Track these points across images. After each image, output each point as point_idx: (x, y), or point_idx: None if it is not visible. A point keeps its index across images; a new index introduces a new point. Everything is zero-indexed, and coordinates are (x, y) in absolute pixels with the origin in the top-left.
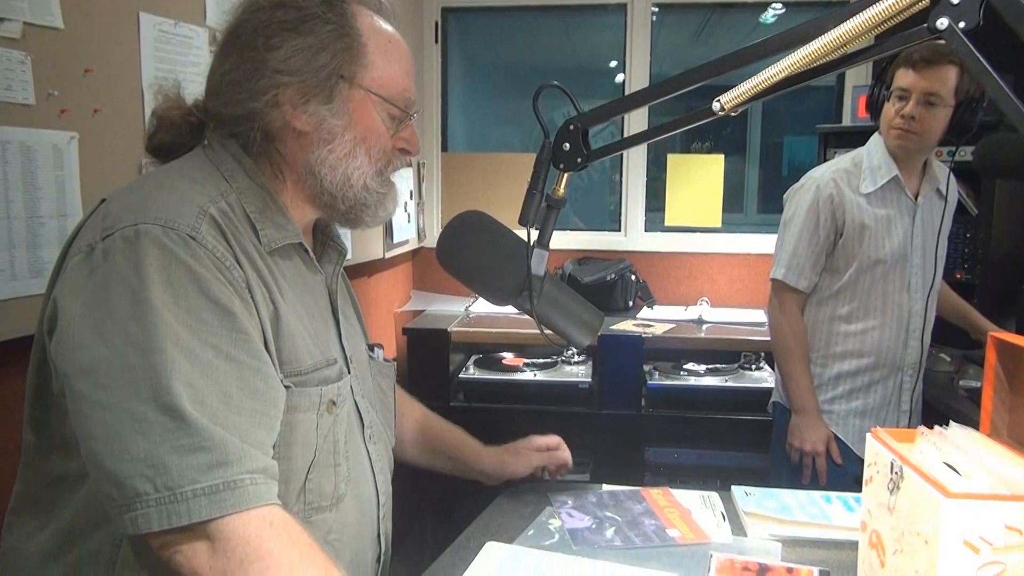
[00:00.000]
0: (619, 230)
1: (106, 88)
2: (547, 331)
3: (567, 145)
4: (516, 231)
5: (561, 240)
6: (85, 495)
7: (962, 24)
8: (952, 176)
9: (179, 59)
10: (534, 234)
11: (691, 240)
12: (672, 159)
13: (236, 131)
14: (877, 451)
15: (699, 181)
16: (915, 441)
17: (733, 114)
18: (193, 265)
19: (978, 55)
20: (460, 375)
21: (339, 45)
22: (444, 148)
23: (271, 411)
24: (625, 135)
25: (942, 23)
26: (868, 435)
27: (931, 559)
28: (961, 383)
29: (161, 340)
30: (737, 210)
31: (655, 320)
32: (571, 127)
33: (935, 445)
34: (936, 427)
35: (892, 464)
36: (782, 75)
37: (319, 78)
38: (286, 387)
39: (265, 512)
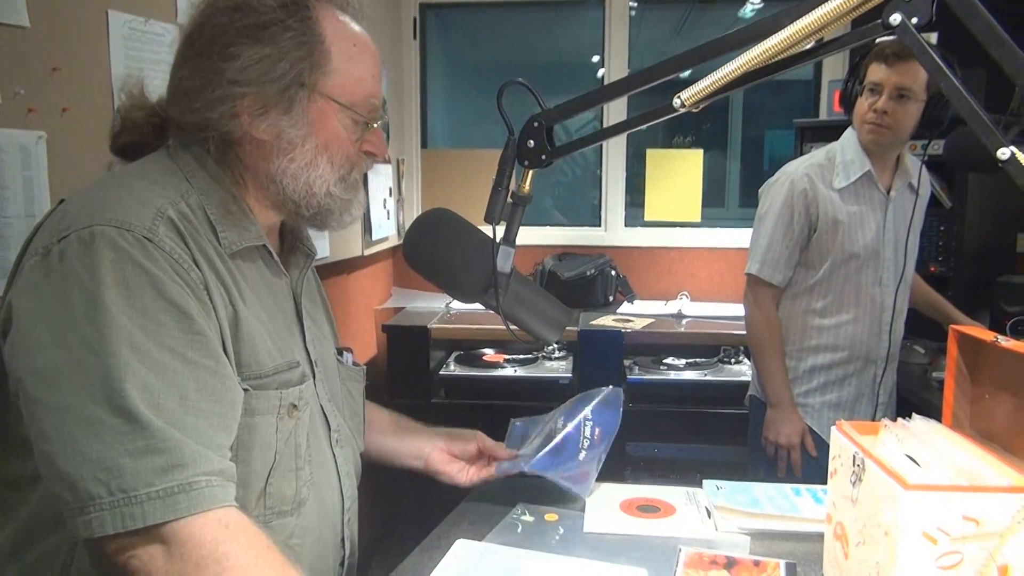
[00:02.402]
0: (599, 225)
1: (75, 87)
2: (514, 328)
3: (532, 142)
4: (485, 228)
5: (541, 235)
6: (41, 497)
7: (915, 20)
8: (924, 169)
9: (150, 57)
10: (500, 231)
11: (671, 235)
12: (651, 154)
13: (195, 139)
14: (841, 444)
15: (679, 176)
16: (879, 434)
17: (694, 110)
18: (149, 267)
19: (930, 50)
20: (441, 372)
21: (299, 53)
22: (424, 144)
23: (229, 413)
24: (606, 125)
25: (895, 19)
26: (833, 428)
27: (891, 550)
28: (935, 375)
29: (115, 342)
30: (718, 204)
31: (635, 315)
32: (535, 123)
33: (897, 437)
34: (899, 419)
35: (855, 456)
36: (740, 71)
37: (278, 88)
38: (244, 390)
39: (221, 514)
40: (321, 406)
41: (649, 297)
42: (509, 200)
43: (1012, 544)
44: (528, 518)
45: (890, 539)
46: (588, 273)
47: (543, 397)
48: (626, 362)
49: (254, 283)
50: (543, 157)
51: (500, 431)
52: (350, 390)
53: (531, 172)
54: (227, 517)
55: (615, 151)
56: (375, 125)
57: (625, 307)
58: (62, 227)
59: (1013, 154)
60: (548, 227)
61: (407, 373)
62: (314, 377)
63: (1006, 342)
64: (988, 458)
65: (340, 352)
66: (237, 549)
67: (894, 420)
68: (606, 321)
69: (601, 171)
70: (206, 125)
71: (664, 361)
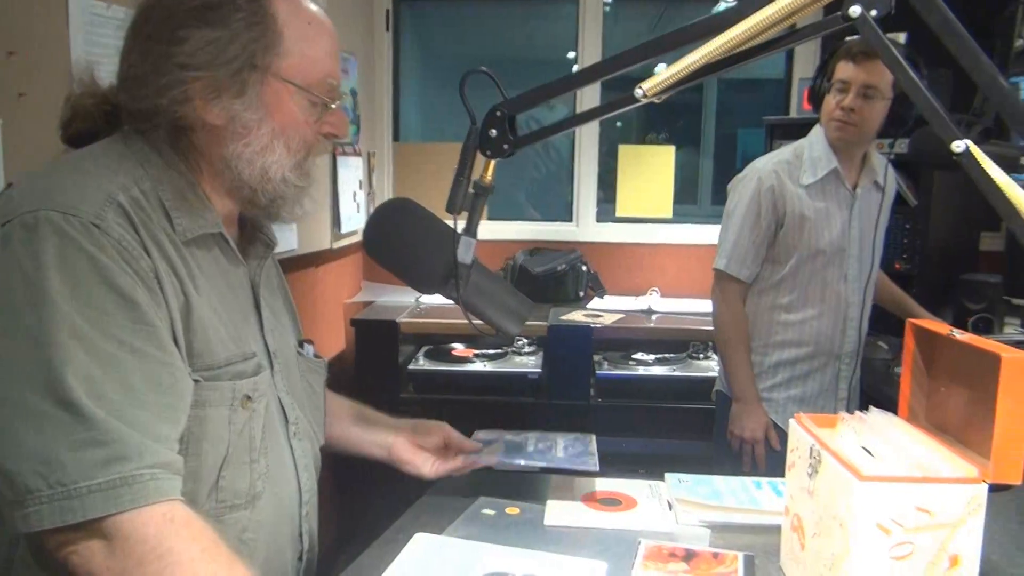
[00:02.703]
0: (571, 221)
1: (32, 72)
2: (475, 321)
3: (493, 132)
4: (448, 219)
5: (513, 230)
6: None
7: (874, 12)
8: (890, 168)
9: (112, 43)
10: (461, 221)
11: (642, 231)
12: (623, 150)
13: (148, 125)
14: (799, 436)
15: (650, 172)
16: (836, 427)
17: (657, 100)
18: (95, 254)
19: (889, 44)
20: (410, 366)
21: (251, 34)
22: (396, 137)
23: (177, 404)
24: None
25: (855, 11)
26: (791, 421)
27: (845, 541)
28: (897, 371)
29: (57, 332)
30: (691, 201)
31: (605, 310)
32: (497, 113)
33: (854, 430)
34: (857, 412)
35: (811, 449)
36: (701, 62)
37: (230, 71)
38: (195, 381)
39: (165, 508)
40: (279, 398)
41: (620, 292)
42: (470, 190)
43: (962, 534)
44: (489, 511)
45: (845, 530)
46: (559, 268)
47: (512, 392)
48: (595, 357)
49: (209, 272)
50: (505, 147)
51: (469, 426)
52: (311, 383)
53: (492, 162)
54: (172, 511)
55: (587, 146)
56: (334, 106)
57: (595, 302)
58: (7, 212)
59: (968, 147)
60: (520, 222)
61: (375, 367)
62: (272, 369)
63: (961, 335)
64: (941, 450)
65: (301, 344)
66: (181, 544)
67: (840, 413)
68: (576, 316)
69: (574, 166)
70: (157, 111)
71: (633, 356)
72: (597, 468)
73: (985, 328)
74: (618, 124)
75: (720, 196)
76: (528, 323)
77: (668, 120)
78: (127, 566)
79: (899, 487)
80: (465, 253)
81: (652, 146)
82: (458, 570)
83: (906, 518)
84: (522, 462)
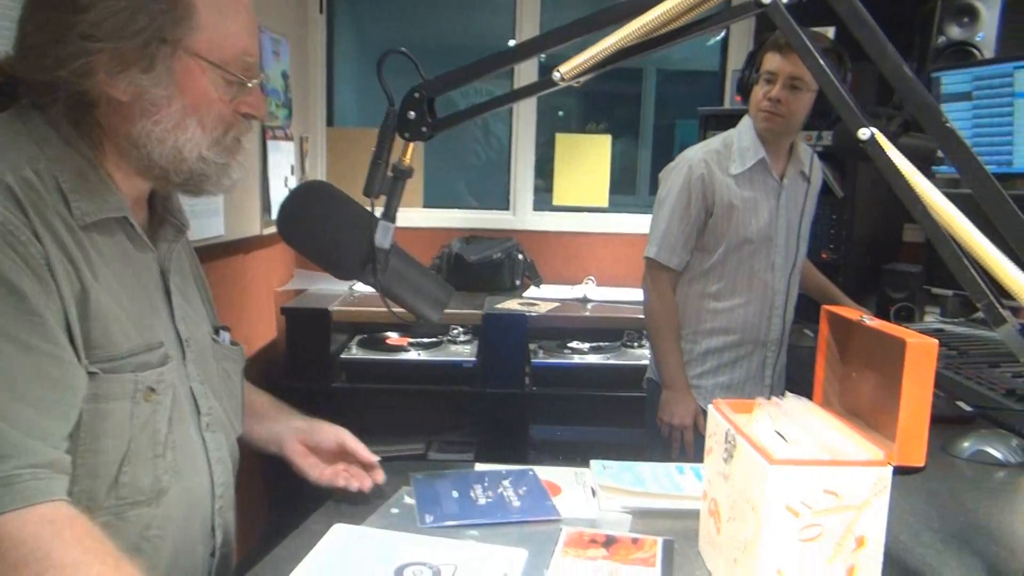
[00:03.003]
0: (508, 209)
1: None
2: (395, 308)
3: (412, 113)
4: (366, 204)
5: (448, 218)
6: None
7: (786, 0)
8: (816, 158)
9: (9, 12)
10: (380, 206)
11: (579, 220)
12: (561, 139)
13: (48, 100)
14: (717, 422)
15: (587, 161)
16: (752, 412)
17: (576, 84)
18: None
19: (800, 32)
20: (342, 355)
21: (160, 6)
22: (330, 122)
23: (66, 399)
24: (516, 109)
25: None
26: (710, 406)
27: (757, 524)
28: None
29: None
30: (630, 191)
31: (541, 299)
32: (416, 95)
33: (769, 415)
34: (773, 398)
35: (727, 433)
36: (617, 46)
37: (136, 44)
38: (92, 373)
39: (47, 509)
40: (191, 388)
41: (556, 281)
42: (389, 174)
43: (868, 516)
44: (411, 501)
45: (757, 514)
46: (495, 256)
47: (447, 380)
48: (531, 346)
49: (111, 258)
50: (424, 129)
51: (403, 416)
52: (227, 371)
53: (411, 145)
54: (53, 512)
55: (524, 134)
56: (251, 84)
57: (531, 291)
58: None
59: (873, 135)
60: (456, 209)
61: (307, 357)
62: (184, 357)
63: (871, 321)
64: (851, 433)
65: (217, 331)
66: (61, 546)
67: (757, 399)
68: (511, 305)
69: (511, 155)
70: (58, 84)
71: (568, 345)
72: (559, 515)
73: (907, 317)
74: (560, 114)
75: (658, 187)
76: (463, 311)
77: (607, 110)
78: (2, 570)
79: (808, 470)
80: (383, 238)
81: (589, 135)
82: (375, 561)
83: (815, 501)
84: (478, 520)
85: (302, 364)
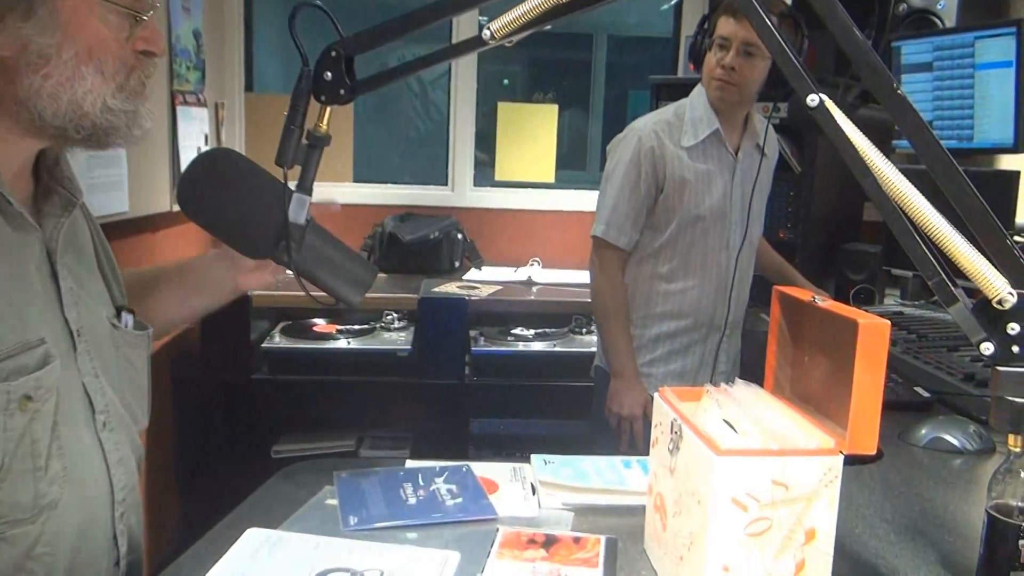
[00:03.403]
0: (446, 184)
1: None
2: (313, 291)
3: (329, 74)
4: (278, 174)
5: (381, 194)
6: None
7: None
8: (771, 130)
9: None
10: (293, 177)
11: (523, 196)
12: (503, 108)
13: None
14: (663, 411)
15: (532, 133)
16: (701, 400)
17: (508, 44)
18: None
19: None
20: (264, 344)
21: None
22: (249, 88)
23: None
24: (455, 76)
25: None
26: (656, 395)
27: (703, 519)
28: None
29: None
30: (579, 167)
31: (482, 282)
32: (332, 53)
33: (718, 403)
34: (723, 384)
35: (673, 423)
36: (551, 2)
37: None
38: None
39: None
40: (83, 384)
41: (498, 263)
42: (304, 141)
43: (818, 507)
44: (333, 502)
45: (703, 508)
46: (432, 236)
47: (380, 371)
48: (471, 333)
49: None
50: (342, 92)
51: (332, 410)
52: (130, 359)
53: (328, 109)
54: None
55: (464, 104)
56: (145, 17)
57: (472, 273)
58: None
59: (822, 101)
60: (389, 185)
61: (224, 346)
62: (75, 350)
63: (822, 302)
64: (801, 421)
65: (119, 313)
66: None
67: (705, 386)
68: (450, 288)
69: (449, 126)
70: None
71: (512, 331)
72: (496, 514)
73: (866, 299)
74: (504, 82)
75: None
76: (398, 296)
77: (555, 79)
78: None
79: (755, 461)
80: (298, 212)
81: (535, 105)
82: (292, 567)
83: (762, 493)
84: (408, 522)
85: (219, 355)
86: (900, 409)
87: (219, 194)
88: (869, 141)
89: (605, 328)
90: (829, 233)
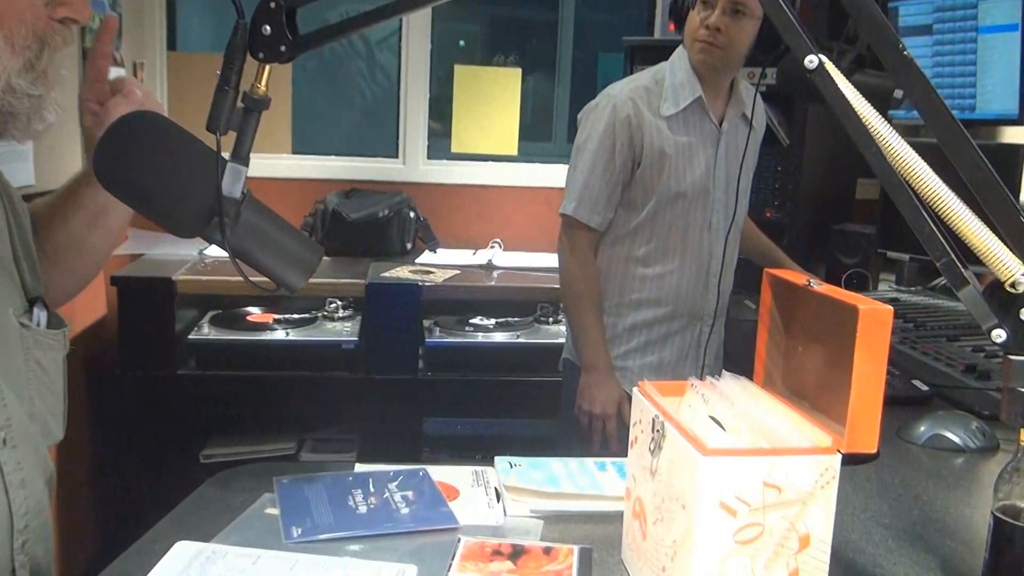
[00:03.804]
0: (396, 157)
1: None
2: (252, 276)
3: (268, 28)
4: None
5: (324, 167)
6: None
7: None
8: (759, 99)
9: None
10: (227, 145)
11: (483, 171)
12: (460, 72)
13: None
14: (642, 407)
15: (493, 100)
16: (684, 394)
17: None
18: None
19: None
20: (191, 336)
21: None
22: (172, 46)
23: None
24: (406, 36)
25: None
26: (635, 390)
27: (688, 526)
28: None
29: None
30: (545, 138)
31: (437, 266)
32: (272, 4)
33: (704, 398)
34: (708, 378)
35: (654, 421)
36: None
37: None
38: None
39: None
40: None
41: (455, 245)
42: (240, 104)
43: (813, 511)
44: (274, 511)
45: (688, 513)
46: (381, 215)
47: (323, 366)
48: (425, 323)
49: None
50: (282, 48)
51: (269, 409)
52: (42, 362)
53: (267, 68)
54: None
55: (416, 67)
56: None
57: (426, 256)
58: None
59: (821, 63)
60: (332, 157)
61: (146, 338)
62: None
63: (818, 286)
64: (794, 418)
65: (31, 308)
66: None
67: (690, 379)
68: (401, 273)
69: (400, 91)
70: None
71: (471, 321)
72: (457, 523)
73: (859, 285)
74: (461, 43)
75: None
76: (342, 281)
77: (518, 41)
78: None
79: (745, 461)
80: (232, 184)
81: (496, 69)
82: None
83: (753, 496)
84: (358, 532)
85: (140, 347)
86: (897, 404)
87: (141, 164)
88: (872, 108)
89: (575, 316)
90: (819, 212)
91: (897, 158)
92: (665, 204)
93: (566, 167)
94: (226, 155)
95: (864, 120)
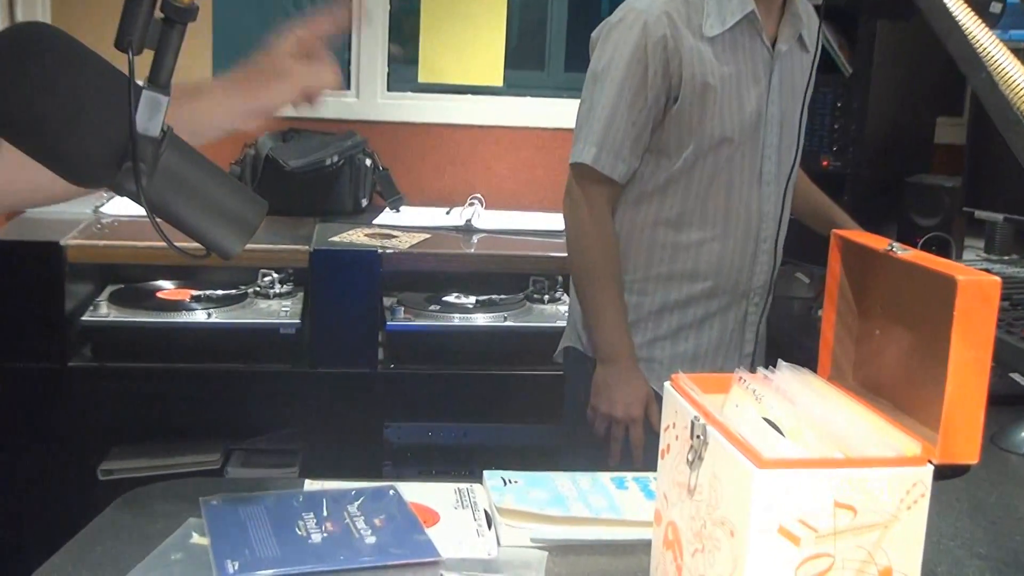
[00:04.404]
0: (348, 89)
1: None
2: (180, 242)
3: None
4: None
5: None
6: None
7: None
8: (813, 15)
9: None
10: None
11: (458, 106)
12: None
13: None
14: (677, 407)
15: (472, 17)
16: (730, 391)
17: None
18: None
19: None
20: (85, 318)
21: None
22: None
23: None
24: None
25: None
26: (667, 385)
27: (737, 558)
28: (822, 313)
29: None
30: (536, 65)
31: (401, 228)
32: None
33: (755, 395)
34: (760, 370)
35: (693, 424)
36: None
37: None
38: None
39: None
40: None
41: (424, 202)
42: (158, 14)
43: (897, 538)
44: (202, 541)
45: (737, 541)
46: (328, 162)
47: (256, 356)
48: (386, 301)
49: None
50: None
51: (186, 411)
52: None
53: None
54: None
55: None
56: None
57: (387, 216)
58: None
59: None
60: None
61: (27, 320)
62: None
63: (903, 252)
64: (872, 419)
65: None
66: None
67: (736, 372)
68: (355, 237)
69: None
70: None
71: (444, 299)
72: (437, 555)
73: (939, 252)
74: None
75: (578, 58)
76: (280, 247)
77: None
78: None
79: (810, 475)
80: (150, 119)
81: None
82: None
83: (822, 519)
84: (311, 568)
85: (19, 332)
86: (992, 403)
87: (29, 91)
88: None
89: (590, 294)
90: (889, 161)
91: (1014, 85)
92: (707, 151)
93: (562, 103)
94: (141, 81)
95: (970, 37)
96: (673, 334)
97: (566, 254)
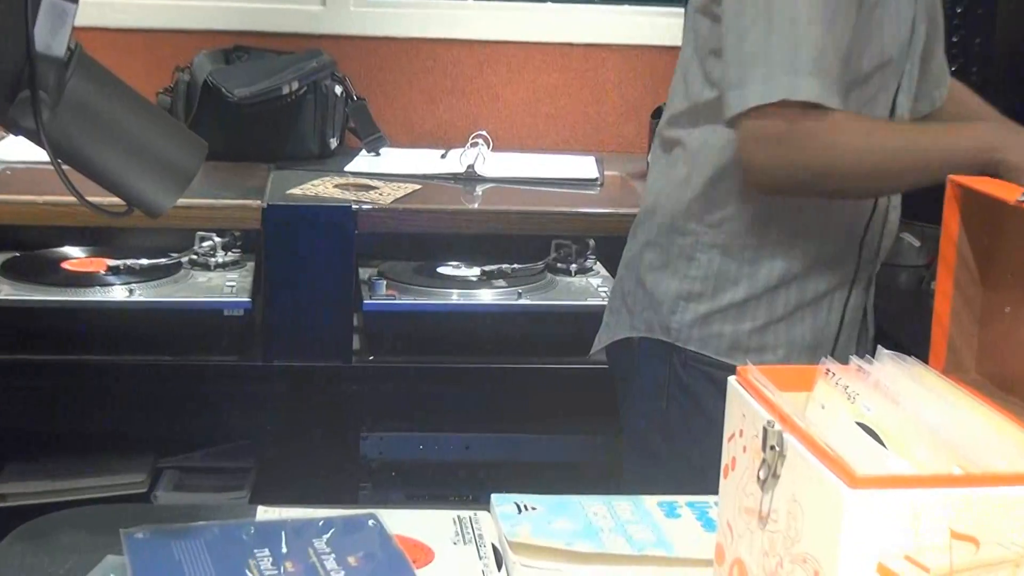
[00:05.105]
0: None
1: None
2: (94, 197)
3: None
4: None
5: (190, 10)
6: None
7: None
8: None
9: None
10: None
11: (457, 16)
12: None
13: None
14: (745, 408)
15: None
16: (815, 387)
17: None
18: None
19: None
20: None
21: None
22: None
23: None
24: None
25: None
26: (731, 380)
27: None
28: (935, 285)
29: None
30: None
31: (382, 176)
32: None
33: (848, 393)
34: (854, 359)
35: (766, 432)
36: None
37: None
38: None
39: None
40: None
41: (412, 143)
42: None
43: None
44: None
45: None
46: (286, 91)
47: (195, 347)
48: (363, 272)
49: None
50: None
51: (105, 418)
52: None
53: None
54: None
55: None
56: None
57: (363, 161)
58: None
59: None
60: None
61: None
62: None
63: None
64: (1000, 424)
65: None
66: None
67: (822, 363)
68: (323, 188)
69: None
70: None
71: (439, 271)
72: None
73: None
74: None
75: None
76: (224, 203)
77: None
78: None
79: (919, 497)
80: (52, 34)
81: None
82: None
83: (931, 554)
84: None
85: None
86: None
87: None
88: None
89: (906, 162)
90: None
91: None
92: (861, 80)
93: (597, 8)
94: None
95: None
96: (790, 316)
97: (640, 208)
